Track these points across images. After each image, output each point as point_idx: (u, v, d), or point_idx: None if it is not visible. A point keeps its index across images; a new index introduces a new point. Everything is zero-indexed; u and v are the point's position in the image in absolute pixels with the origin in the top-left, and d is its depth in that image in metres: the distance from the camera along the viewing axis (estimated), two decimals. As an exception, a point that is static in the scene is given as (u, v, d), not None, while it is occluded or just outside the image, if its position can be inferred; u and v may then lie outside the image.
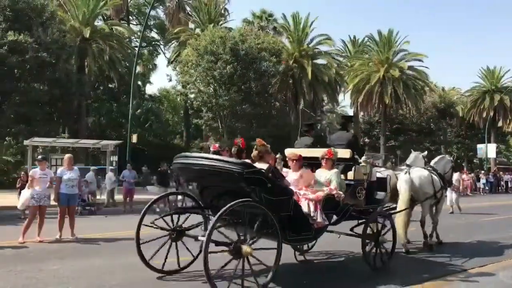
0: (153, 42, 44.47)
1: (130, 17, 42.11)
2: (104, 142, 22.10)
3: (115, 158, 20.78)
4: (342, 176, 6.56)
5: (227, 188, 5.86)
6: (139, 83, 40.20)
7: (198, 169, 5.71)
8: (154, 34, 44.27)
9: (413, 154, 9.49)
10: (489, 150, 38.10)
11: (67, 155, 10.03)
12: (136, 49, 31.04)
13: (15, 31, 22.57)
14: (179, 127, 44.18)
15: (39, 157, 10.20)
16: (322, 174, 6.50)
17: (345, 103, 53.74)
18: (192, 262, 6.37)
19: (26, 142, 20.86)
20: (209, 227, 5.10)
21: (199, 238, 5.73)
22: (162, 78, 77.44)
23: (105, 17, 36.04)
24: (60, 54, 24.59)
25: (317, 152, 6.88)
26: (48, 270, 6.64)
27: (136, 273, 6.35)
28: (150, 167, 26.60)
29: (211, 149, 6.84)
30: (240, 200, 5.21)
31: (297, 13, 33.98)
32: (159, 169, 17.60)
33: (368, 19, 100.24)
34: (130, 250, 8.19)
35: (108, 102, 36.75)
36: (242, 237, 5.18)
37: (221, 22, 35.39)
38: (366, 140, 44.00)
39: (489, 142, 39.16)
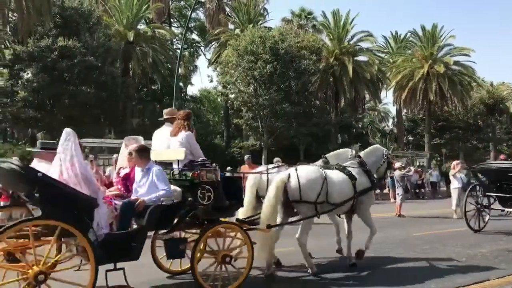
0: (194, 44, 45.22)
1: (171, 20, 43.01)
2: (149, 142, 22.73)
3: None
4: None
5: None
6: (181, 84, 40.98)
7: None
8: (194, 36, 45.05)
9: None
10: (542, 147, 36.20)
11: (115, 155, 10.41)
12: (178, 51, 31.70)
13: (64, 37, 23.57)
14: (219, 127, 44.70)
15: (91, 156, 10.64)
16: None
17: (387, 100, 52.58)
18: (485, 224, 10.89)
19: (76, 143, 21.74)
20: None
21: (506, 209, 11.07)
22: (203, 79, 79.07)
23: (148, 21, 36.98)
24: (106, 58, 25.43)
25: None
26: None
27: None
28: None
29: (501, 158, 13.68)
30: None
31: (337, 10, 33.64)
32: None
33: (411, 13, 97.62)
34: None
35: (152, 103, 37.70)
36: None
37: (260, 22, 35.51)
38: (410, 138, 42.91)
39: (542, 139, 37.20)
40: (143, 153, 5.45)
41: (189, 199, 5.47)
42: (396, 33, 41.59)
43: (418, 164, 31.25)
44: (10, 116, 24.78)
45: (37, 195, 4.38)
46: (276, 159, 11.12)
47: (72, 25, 24.74)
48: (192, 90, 68.97)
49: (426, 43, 34.66)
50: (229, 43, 28.30)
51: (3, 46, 25.55)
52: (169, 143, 6.04)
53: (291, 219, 6.66)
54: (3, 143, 32.53)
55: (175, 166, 5.80)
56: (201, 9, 41.97)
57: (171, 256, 5.60)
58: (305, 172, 6.41)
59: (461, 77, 34.60)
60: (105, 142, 23.49)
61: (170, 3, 40.03)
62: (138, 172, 5.54)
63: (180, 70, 35.82)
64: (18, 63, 24.16)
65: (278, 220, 6.32)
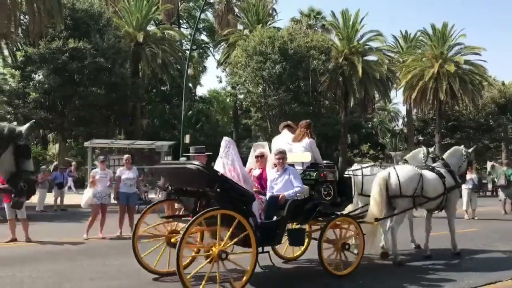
0: (203, 45, 45.32)
1: (180, 21, 43.15)
2: (159, 143, 22.89)
3: (169, 159, 21.41)
4: None
5: None
6: (190, 85, 41.10)
7: None
8: (203, 37, 45.15)
9: None
10: (555, 147, 35.67)
11: (126, 155, 10.46)
12: (187, 52, 31.82)
13: (75, 39, 23.76)
14: (228, 127, 44.75)
15: (101, 157, 10.71)
16: None
17: (397, 100, 52.21)
18: None
19: (86, 144, 21.96)
20: None
21: None
22: (212, 80, 79.52)
23: (157, 22, 37.14)
24: (116, 59, 25.57)
25: None
26: (111, 264, 6.98)
27: (193, 268, 6.53)
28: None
29: None
30: None
31: (346, 10, 33.43)
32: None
33: (421, 12, 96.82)
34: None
35: (161, 104, 37.86)
36: None
37: (269, 22, 35.47)
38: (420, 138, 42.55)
39: (555, 138, 36.68)
40: (285, 157, 6.33)
41: (315, 195, 6.38)
42: (406, 32, 41.23)
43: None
44: (21, 117, 25.02)
45: (218, 190, 5.32)
46: None
47: (83, 26, 24.94)
48: (201, 91, 69.16)
49: (436, 42, 34.34)
50: (238, 43, 28.32)
51: (15, 48, 25.84)
52: (291, 148, 6.92)
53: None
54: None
55: (298, 167, 6.64)
56: (210, 10, 42.11)
57: (293, 244, 6.61)
58: (404, 171, 7.40)
59: (472, 76, 34.22)
60: (115, 143, 23.67)
61: (179, 4, 40.16)
62: (271, 172, 6.45)
63: (189, 71, 35.98)
64: (30, 65, 24.44)
65: (384, 214, 7.17)
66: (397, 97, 64.43)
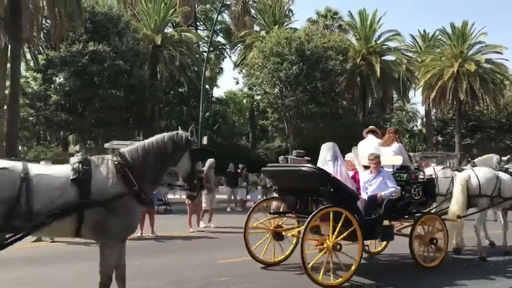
0: (220, 46, 45.50)
1: (197, 23, 43.42)
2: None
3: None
4: None
5: None
6: (207, 86, 41.32)
7: None
8: (220, 38, 45.33)
9: None
10: None
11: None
12: (204, 53, 31.99)
13: (94, 42, 24.13)
14: (245, 128, 44.83)
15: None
16: None
17: (415, 100, 51.59)
18: None
19: (106, 145, 22.18)
20: None
21: None
22: (228, 81, 79.86)
23: (175, 24, 37.45)
24: (134, 62, 25.84)
25: None
26: (132, 265, 6.98)
27: (215, 270, 6.59)
28: (218, 168, 27.24)
29: None
30: None
31: (363, 9, 33.25)
32: (227, 170, 17.93)
33: (439, 11, 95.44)
34: (206, 248, 8.51)
35: (178, 105, 38.14)
36: None
37: (285, 23, 35.45)
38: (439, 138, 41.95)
39: None
40: (380, 161, 6.92)
41: (407, 195, 6.98)
42: (424, 31, 40.77)
43: (448, 164, 30.51)
44: (43, 119, 25.54)
45: (331, 190, 5.97)
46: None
47: (102, 30, 25.27)
48: (218, 92, 69.40)
49: (456, 41, 33.84)
50: (254, 45, 28.36)
51: (37, 51, 26.37)
52: (379, 151, 7.42)
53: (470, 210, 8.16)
54: (37, 145, 33.58)
55: (387, 169, 7.17)
56: (226, 11, 42.24)
57: (385, 239, 7.14)
58: (483, 173, 8.00)
59: (493, 76, 33.63)
60: (134, 144, 23.93)
61: (196, 6, 40.42)
62: (364, 174, 7.12)
63: (206, 73, 36.18)
64: (51, 68, 24.89)
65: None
66: (416, 97, 63.78)
